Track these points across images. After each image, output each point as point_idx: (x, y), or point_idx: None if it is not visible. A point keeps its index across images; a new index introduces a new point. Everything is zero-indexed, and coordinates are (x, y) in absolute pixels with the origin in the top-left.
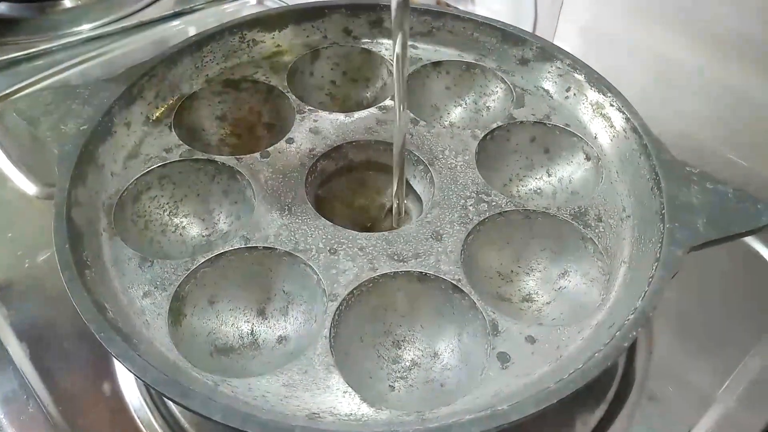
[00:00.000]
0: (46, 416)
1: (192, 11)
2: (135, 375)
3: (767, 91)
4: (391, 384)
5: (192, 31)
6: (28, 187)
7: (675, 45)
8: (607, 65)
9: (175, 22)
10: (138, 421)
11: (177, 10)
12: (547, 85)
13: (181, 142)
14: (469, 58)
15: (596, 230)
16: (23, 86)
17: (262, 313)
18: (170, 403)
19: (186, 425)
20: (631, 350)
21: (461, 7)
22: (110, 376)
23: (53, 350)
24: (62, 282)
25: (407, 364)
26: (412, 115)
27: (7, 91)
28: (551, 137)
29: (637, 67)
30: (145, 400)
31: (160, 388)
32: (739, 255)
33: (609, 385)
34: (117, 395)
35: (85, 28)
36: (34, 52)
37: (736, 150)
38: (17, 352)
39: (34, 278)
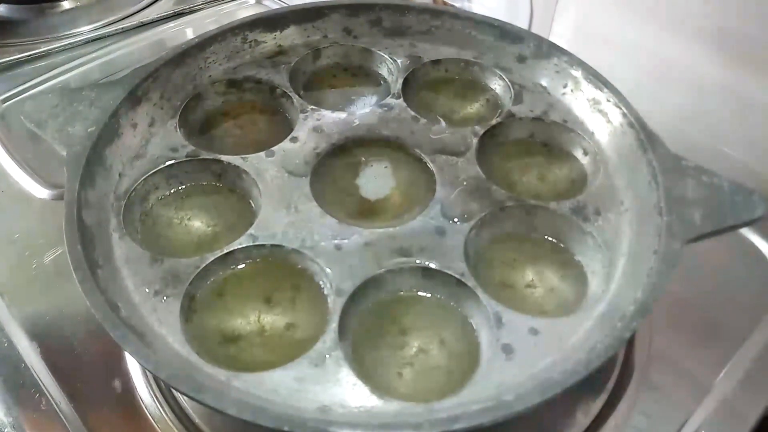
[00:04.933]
0: (58, 413)
1: (191, 12)
2: (150, 372)
3: (754, 86)
4: (399, 371)
5: (191, 32)
6: (34, 188)
7: (665, 42)
8: (600, 62)
9: (174, 23)
10: (149, 416)
11: (176, 10)
12: (545, 81)
13: (186, 142)
14: (467, 55)
15: (595, 224)
16: (24, 89)
17: (268, 302)
18: (180, 398)
19: (197, 420)
20: (631, 340)
21: (458, 5)
22: (121, 372)
23: (63, 348)
24: (70, 281)
25: (414, 350)
26: (412, 113)
27: (8, 94)
28: (549, 133)
29: (629, 63)
30: (155, 395)
31: (175, 384)
32: (735, 246)
33: (610, 374)
34: (128, 391)
35: (85, 30)
36: (34, 53)
37: (726, 144)
38: (27, 350)
39: (41, 278)
